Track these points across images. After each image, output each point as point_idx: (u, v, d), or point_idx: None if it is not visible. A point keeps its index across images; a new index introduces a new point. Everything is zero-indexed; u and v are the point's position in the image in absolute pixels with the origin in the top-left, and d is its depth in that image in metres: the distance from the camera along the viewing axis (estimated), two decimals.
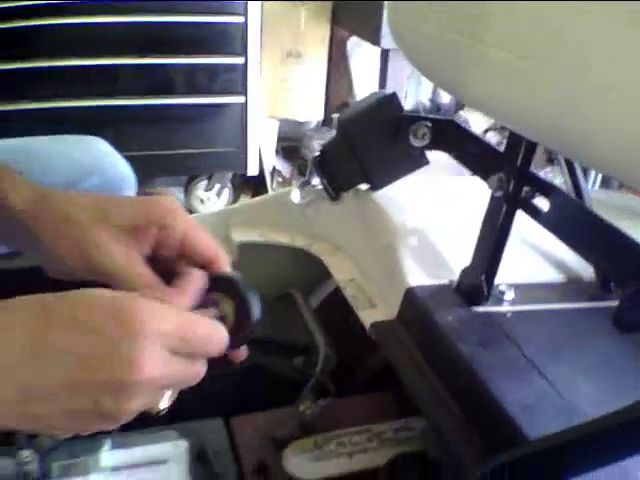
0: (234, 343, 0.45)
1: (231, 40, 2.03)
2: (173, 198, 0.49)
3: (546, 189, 0.62)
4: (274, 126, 2.69)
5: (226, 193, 2.36)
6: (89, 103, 1.96)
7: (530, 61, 0.47)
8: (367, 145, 0.77)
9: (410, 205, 0.80)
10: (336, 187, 0.80)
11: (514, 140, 0.63)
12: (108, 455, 0.61)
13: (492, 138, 2.99)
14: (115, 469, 0.61)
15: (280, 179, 2.69)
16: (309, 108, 2.75)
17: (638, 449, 0.41)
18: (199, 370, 0.44)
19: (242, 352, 0.49)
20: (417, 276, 0.70)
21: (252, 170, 2.25)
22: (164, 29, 1.95)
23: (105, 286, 0.42)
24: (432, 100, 3.33)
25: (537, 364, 0.59)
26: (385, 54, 2.32)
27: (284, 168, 2.80)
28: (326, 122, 2.86)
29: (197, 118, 2.10)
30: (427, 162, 0.78)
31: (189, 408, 0.73)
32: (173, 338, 0.40)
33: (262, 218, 0.86)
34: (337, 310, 0.89)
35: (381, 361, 0.78)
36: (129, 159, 1.13)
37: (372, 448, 0.64)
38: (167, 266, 0.48)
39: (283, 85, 2.64)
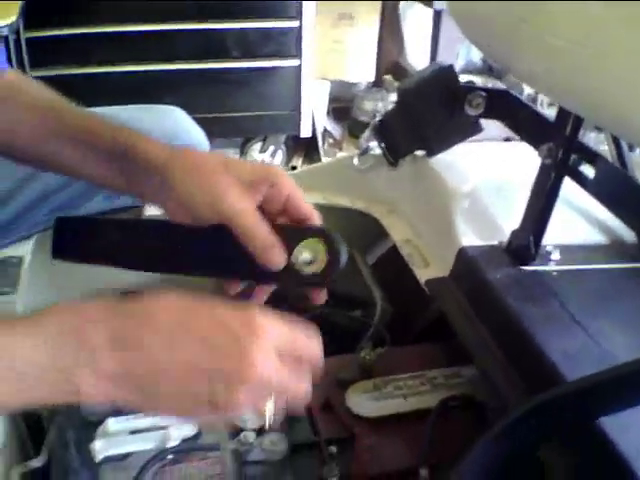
0: (324, 280, 0.53)
1: (286, 4, 2.07)
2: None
3: (592, 157, 0.67)
4: (326, 88, 2.73)
5: (280, 154, 2.43)
6: (148, 67, 2.04)
7: (580, 48, 0.52)
8: (425, 114, 0.82)
9: (464, 170, 0.85)
10: (395, 153, 0.86)
11: (563, 111, 0.68)
12: None
13: (545, 99, 2.95)
14: None
15: (331, 140, 2.74)
16: (360, 69, 2.78)
17: None
18: (304, 387, 0.48)
19: (323, 295, 0.57)
20: (469, 237, 0.76)
21: (305, 132, 2.31)
22: None
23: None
24: (484, 60, 3.29)
25: (579, 319, 0.64)
26: (438, 15, 2.33)
27: (335, 129, 2.84)
28: (377, 83, 2.88)
29: (252, 81, 2.16)
30: (481, 130, 0.83)
31: None
32: (286, 349, 0.46)
33: (324, 182, 0.93)
34: (391, 267, 0.96)
35: (433, 314, 0.85)
36: None
37: (425, 391, 0.72)
38: (270, 218, 0.55)
39: (335, 47, 2.66)
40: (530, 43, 0.59)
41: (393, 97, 2.56)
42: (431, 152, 0.85)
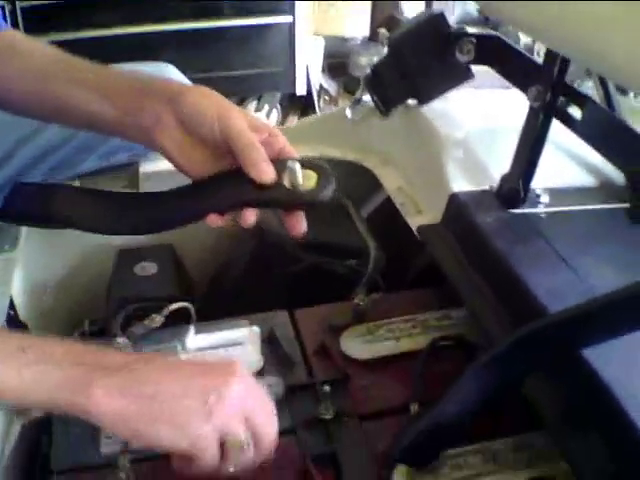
0: (316, 199, 0.58)
1: None
2: None
3: (580, 99, 0.68)
4: (320, 44, 2.70)
5: (275, 113, 2.42)
6: (141, 29, 2.03)
7: None
8: (416, 62, 0.82)
9: (455, 117, 0.86)
10: (386, 103, 0.86)
11: (550, 53, 0.68)
12: (192, 339, 0.72)
13: (541, 48, 2.92)
14: (199, 350, 0.72)
15: (327, 97, 2.72)
16: (355, 24, 2.74)
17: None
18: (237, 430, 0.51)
19: (303, 223, 0.60)
20: (460, 182, 0.77)
21: (300, 89, 2.30)
22: None
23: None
24: (480, 11, 3.24)
25: (565, 257, 0.66)
26: None
27: (330, 86, 2.82)
28: (372, 37, 2.84)
29: (245, 39, 2.14)
30: (472, 76, 0.83)
31: (259, 301, 0.84)
32: (237, 414, 0.51)
33: (317, 135, 0.94)
34: (385, 218, 0.97)
35: (425, 261, 0.86)
36: None
37: (417, 333, 0.74)
38: None
39: (328, 1, 2.63)
40: None
41: None
42: (422, 100, 0.86)
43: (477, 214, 0.72)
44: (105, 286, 0.88)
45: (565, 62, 0.67)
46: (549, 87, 0.68)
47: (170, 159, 0.61)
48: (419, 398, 0.64)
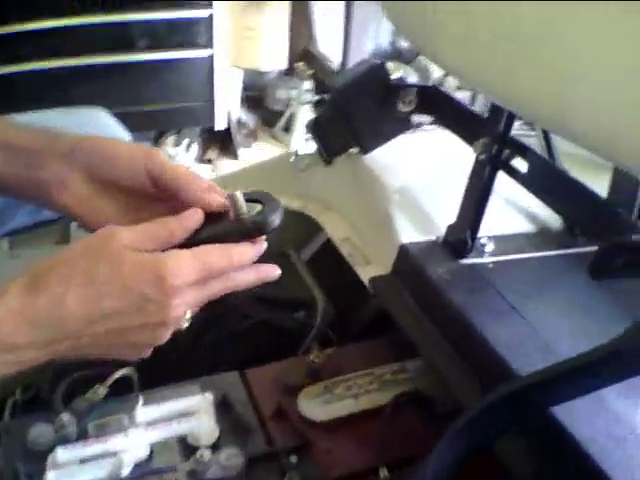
0: (265, 226, 0.55)
1: None
2: None
3: (524, 151, 0.70)
4: (238, 77, 2.69)
5: (194, 148, 2.38)
6: (56, 64, 1.95)
7: (513, 45, 0.53)
8: (358, 112, 0.83)
9: (395, 165, 0.86)
10: (329, 151, 0.86)
11: (496, 108, 0.69)
12: (141, 411, 0.67)
13: (452, 83, 3.04)
14: (150, 424, 0.67)
15: (246, 131, 2.71)
16: (273, 57, 2.75)
17: (609, 382, 0.50)
18: (220, 287, 0.51)
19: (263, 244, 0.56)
20: (408, 233, 0.77)
21: (220, 124, 2.28)
22: None
23: None
24: (392, 44, 3.34)
25: (517, 308, 0.67)
26: (349, 2, 2.33)
27: (249, 119, 2.81)
28: (289, 71, 2.86)
29: (164, 73, 2.10)
30: (412, 126, 0.84)
31: (205, 364, 0.81)
32: (199, 280, 0.48)
33: (259, 183, 0.91)
34: (327, 263, 0.96)
35: (373, 311, 0.86)
36: None
37: (374, 389, 0.72)
38: None
39: (246, 34, 2.62)
40: (459, 37, 0.60)
41: (307, 85, 2.55)
42: (365, 149, 0.86)
43: (428, 265, 0.72)
44: None
45: (511, 117, 0.68)
46: (495, 140, 0.70)
47: (76, 215, 0.55)
48: (387, 461, 0.63)
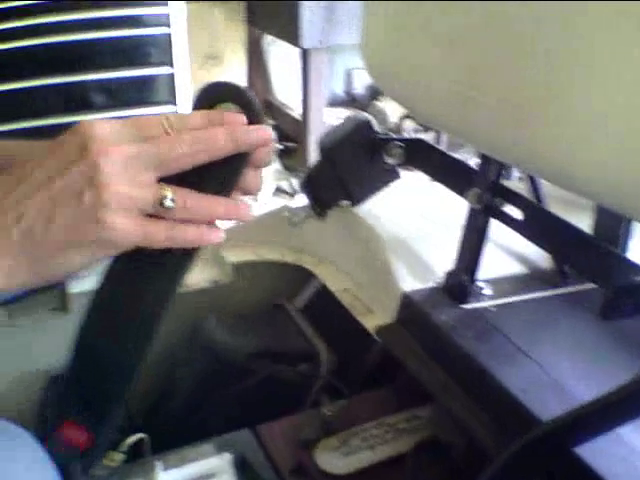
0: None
1: (158, 51, 2.05)
2: None
3: (515, 199, 0.73)
4: None
5: None
6: (23, 125, 1.93)
7: (503, 104, 0.57)
8: (346, 166, 0.85)
9: (387, 215, 0.89)
10: (321, 205, 0.88)
11: (487, 158, 0.73)
12: (163, 476, 0.67)
13: (409, 124, 3.14)
14: None
15: None
16: None
17: (627, 421, 0.52)
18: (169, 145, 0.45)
19: (257, 182, 0.52)
20: (409, 281, 0.79)
21: None
22: (91, 45, 1.95)
23: None
24: (347, 92, 3.44)
25: (525, 350, 0.70)
26: (306, 54, 2.40)
27: None
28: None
29: None
30: (399, 176, 0.87)
31: (211, 425, 0.80)
32: (132, 138, 0.45)
33: (254, 237, 0.93)
34: (321, 312, 0.98)
35: (377, 359, 0.87)
36: None
37: (390, 439, 0.74)
38: None
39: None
40: (455, 100, 0.64)
41: None
42: (355, 201, 0.88)
43: (432, 312, 0.75)
44: (33, 416, 0.81)
45: (501, 166, 0.72)
46: (486, 189, 0.73)
47: None
48: None
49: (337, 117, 3.05)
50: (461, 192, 0.77)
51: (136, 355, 0.50)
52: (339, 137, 0.86)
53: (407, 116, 3.23)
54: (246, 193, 0.52)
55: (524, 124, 0.56)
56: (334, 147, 0.86)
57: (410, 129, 3.01)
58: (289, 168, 2.80)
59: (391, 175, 0.88)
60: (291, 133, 2.79)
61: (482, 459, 0.61)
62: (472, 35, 0.59)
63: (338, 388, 0.83)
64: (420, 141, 0.86)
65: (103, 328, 0.50)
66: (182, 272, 0.50)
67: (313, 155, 2.56)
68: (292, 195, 2.78)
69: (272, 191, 2.74)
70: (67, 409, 0.50)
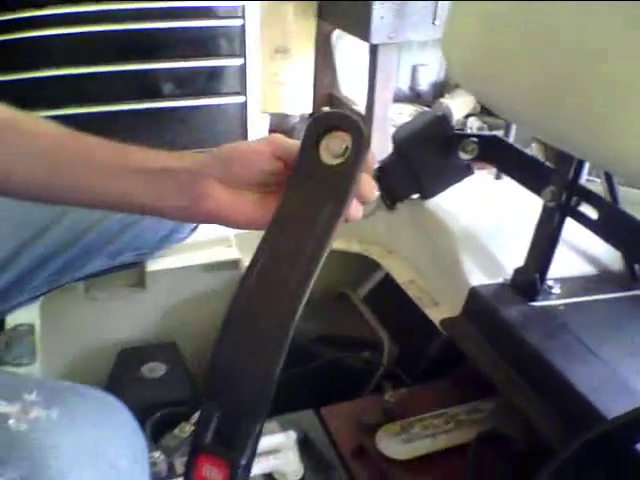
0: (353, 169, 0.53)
1: (230, 42, 2.09)
2: None
3: (593, 198, 0.73)
4: (265, 121, 2.76)
5: None
6: (93, 109, 2.01)
7: (580, 98, 0.57)
8: (421, 160, 0.86)
9: (458, 209, 0.90)
10: (392, 198, 0.89)
11: (565, 156, 0.73)
12: None
13: (474, 123, 3.11)
14: None
15: None
16: (298, 102, 2.82)
17: None
18: None
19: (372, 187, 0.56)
20: (477, 276, 0.80)
21: None
22: (165, 34, 2.01)
23: None
24: (411, 88, 3.43)
25: (594, 349, 0.69)
26: (374, 49, 2.41)
27: None
28: (313, 114, 2.92)
29: (198, 119, 2.16)
30: (473, 172, 0.88)
31: (275, 403, 0.83)
32: None
33: None
34: (385, 302, 0.99)
35: (439, 351, 0.88)
36: None
37: (450, 429, 0.75)
38: None
39: (273, 80, 2.70)
40: (530, 93, 0.64)
41: None
42: (426, 195, 0.89)
43: (500, 308, 0.75)
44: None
45: (581, 164, 0.72)
46: (563, 188, 0.73)
47: (219, 219, 0.57)
48: None
49: (399, 113, 3.05)
50: (536, 190, 0.77)
51: (274, 363, 0.48)
52: (414, 131, 0.87)
53: (472, 114, 3.20)
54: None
55: (608, 124, 0.56)
56: (409, 141, 0.87)
57: (475, 127, 2.98)
58: None
59: (465, 171, 0.88)
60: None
61: (543, 454, 0.61)
62: (560, 34, 0.59)
63: (399, 376, 0.85)
64: (496, 137, 0.86)
65: (237, 342, 0.49)
66: (315, 269, 0.50)
67: (375, 149, 2.56)
68: None
69: None
70: (202, 440, 0.47)
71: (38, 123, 0.61)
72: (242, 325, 0.50)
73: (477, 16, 0.72)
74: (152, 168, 0.57)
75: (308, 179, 0.53)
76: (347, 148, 0.53)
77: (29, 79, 1.91)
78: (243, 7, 2.04)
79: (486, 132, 0.90)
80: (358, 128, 0.53)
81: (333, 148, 0.53)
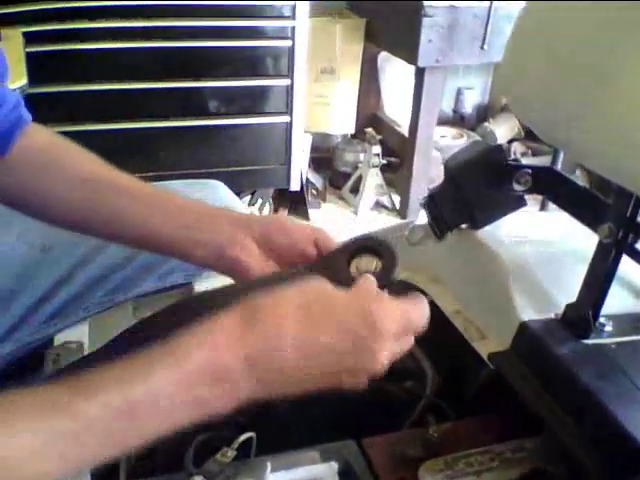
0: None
1: (278, 62, 2.12)
2: None
3: None
4: (308, 140, 2.78)
5: (267, 208, 2.45)
6: (140, 125, 2.05)
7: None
8: (473, 189, 0.85)
9: (509, 240, 0.88)
10: (441, 226, 0.89)
11: (624, 192, 0.71)
12: (272, 477, 0.69)
13: (517, 148, 3.08)
14: None
15: (314, 191, 2.78)
16: (342, 122, 2.84)
17: None
18: (410, 343, 0.58)
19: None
20: (527, 310, 0.78)
21: (295, 185, 2.35)
22: (215, 53, 2.05)
23: None
24: (455, 111, 3.42)
25: None
26: (421, 72, 2.41)
27: (316, 180, 2.88)
28: (356, 135, 2.94)
29: (245, 137, 2.19)
30: (526, 204, 0.86)
31: (316, 430, 0.82)
32: (400, 332, 0.54)
33: None
34: (430, 329, 0.98)
35: (484, 384, 0.86)
36: (180, 177, 1.24)
37: (495, 467, 0.73)
38: None
39: (318, 100, 2.72)
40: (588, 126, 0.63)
41: (376, 149, 2.62)
42: (477, 225, 0.88)
43: (551, 345, 0.73)
44: None
45: (638, 200, 0.70)
46: (621, 225, 0.71)
47: (240, 267, 0.64)
48: None
49: (442, 135, 3.04)
50: (592, 225, 0.75)
51: None
52: (467, 160, 0.86)
53: (515, 139, 3.17)
54: None
55: None
56: (461, 169, 0.86)
57: (519, 152, 2.95)
58: (390, 183, 2.81)
59: (518, 202, 0.87)
60: (396, 149, 2.80)
61: None
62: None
63: (443, 409, 0.83)
64: (550, 169, 0.85)
65: None
66: None
67: (417, 172, 2.55)
68: (391, 210, 2.78)
69: (371, 205, 2.76)
70: None
71: (79, 155, 0.70)
72: None
73: (533, 48, 0.71)
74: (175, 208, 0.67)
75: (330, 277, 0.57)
76: (376, 267, 0.59)
77: (78, 92, 1.96)
78: (292, 28, 2.07)
79: (539, 164, 0.89)
80: (392, 254, 0.60)
81: (364, 267, 0.60)
